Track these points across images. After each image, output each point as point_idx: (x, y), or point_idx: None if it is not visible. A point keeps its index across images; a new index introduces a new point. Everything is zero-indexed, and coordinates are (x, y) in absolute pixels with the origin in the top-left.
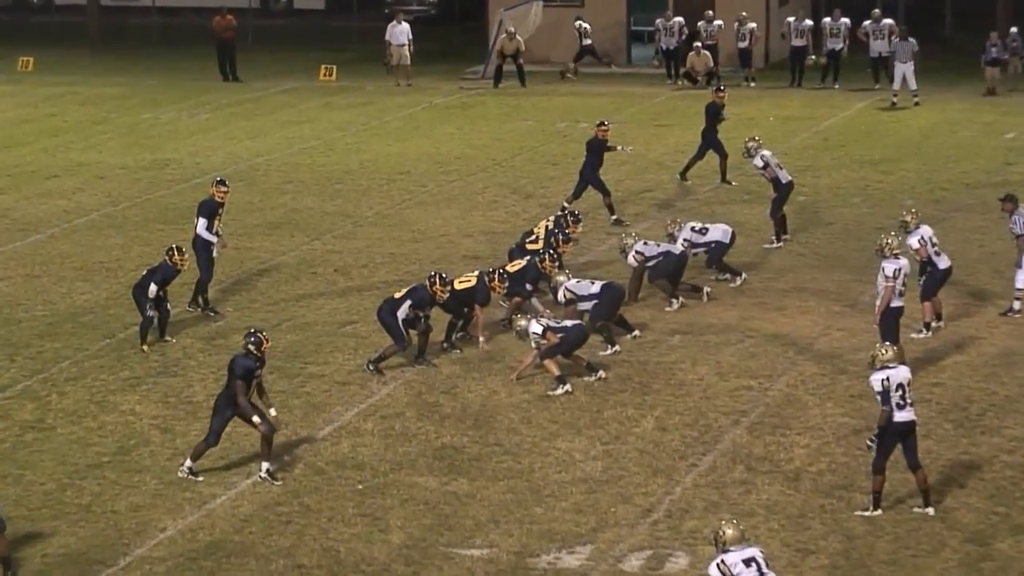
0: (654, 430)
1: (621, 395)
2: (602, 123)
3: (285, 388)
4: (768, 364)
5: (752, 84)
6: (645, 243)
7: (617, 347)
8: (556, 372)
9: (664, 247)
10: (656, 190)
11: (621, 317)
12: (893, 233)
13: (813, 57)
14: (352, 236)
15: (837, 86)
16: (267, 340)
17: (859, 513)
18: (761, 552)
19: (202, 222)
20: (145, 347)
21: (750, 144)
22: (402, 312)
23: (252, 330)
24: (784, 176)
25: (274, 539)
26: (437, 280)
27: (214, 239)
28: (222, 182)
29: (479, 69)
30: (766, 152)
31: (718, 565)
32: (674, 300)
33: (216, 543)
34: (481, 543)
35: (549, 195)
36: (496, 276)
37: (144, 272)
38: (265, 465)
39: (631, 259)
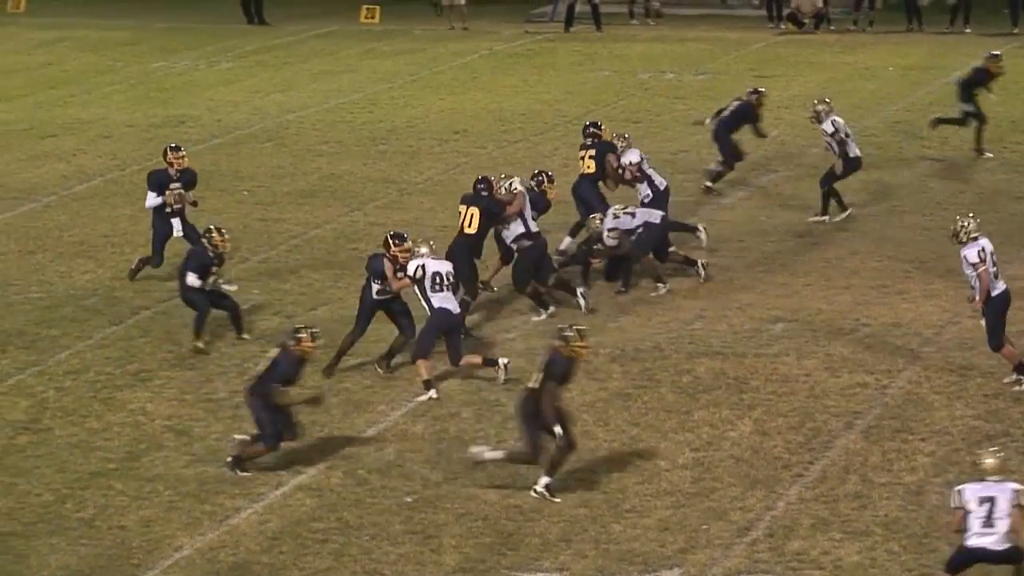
0: (752, 434)
1: (714, 393)
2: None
3: (321, 383)
4: (887, 357)
5: (870, 28)
6: (615, 216)
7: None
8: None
9: (641, 214)
10: (754, 153)
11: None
12: (971, 215)
13: None
14: (398, 206)
15: (968, 30)
16: (315, 340)
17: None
18: (1014, 491)
19: (151, 196)
20: (200, 343)
21: (820, 107)
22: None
23: (305, 327)
24: (854, 149)
25: (308, 560)
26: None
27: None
28: (177, 148)
29: (547, 10)
30: (838, 118)
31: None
32: (660, 285)
33: (241, 565)
34: (550, 566)
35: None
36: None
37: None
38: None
39: (609, 241)
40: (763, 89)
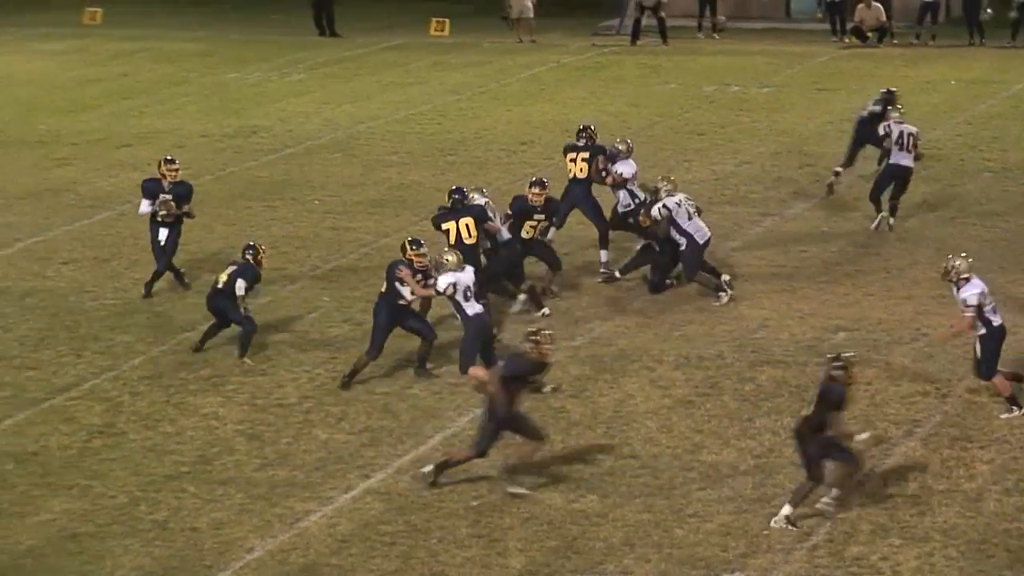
0: None
1: (776, 400)
2: None
3: (389, 390)
4: (947, 367)
5: (932, 42)
6: (679, 204)
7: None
8: None
9: (695, 224)
10: (817, 165)
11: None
12: (963, 254)
13: (990, 11)
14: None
15: None
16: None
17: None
18: None
19: (144, 203)
20: (248, 359)
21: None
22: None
23: (539, 331)
24: (897, 157)
25: (377, 562)
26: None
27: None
28: (171, 160)
29: (614, 23)
30: (906, 125)
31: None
32: (722, 294)
33: (310, 566)
34: (613, 569)
35: (693, 169)
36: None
37: (225, 277)
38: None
39: (654, 213)
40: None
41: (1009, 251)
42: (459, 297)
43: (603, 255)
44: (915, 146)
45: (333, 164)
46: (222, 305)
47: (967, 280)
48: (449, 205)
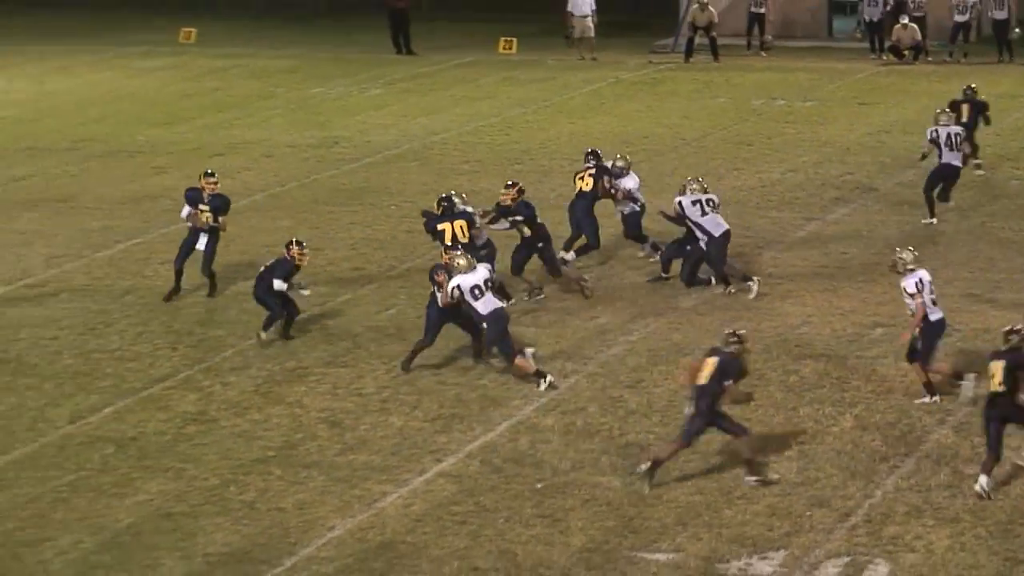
0: (853, 429)
1: (818, 391)
2: None
3: (460, 380)
4: (977, 360)
5: (964, 59)
6: (696, 200)
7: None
8: None
9: (710, 219)
10: (857, 173)
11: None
12: (909, 248)
13: (1017, 30)
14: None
15: None
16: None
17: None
18: None
19: (185, 208)
20: (263, 334)
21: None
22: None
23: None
24: (946, 156)
25: (448, 540)
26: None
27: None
28: (211, 174)
29: (668, 42)
30: (952, 127)
31: None
32: (750, 283)
33: (387, 544)
34: (667, 547)
35: (742, 176)
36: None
37: (262, 270)
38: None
39: (675, 203)
40: (975, 85)
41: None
42: (468, 298)
43: (571, 256)
44: (961, 145)
45: (409, 172)
46: (259, 293)
47: (912, 271)
48: (439, 212)
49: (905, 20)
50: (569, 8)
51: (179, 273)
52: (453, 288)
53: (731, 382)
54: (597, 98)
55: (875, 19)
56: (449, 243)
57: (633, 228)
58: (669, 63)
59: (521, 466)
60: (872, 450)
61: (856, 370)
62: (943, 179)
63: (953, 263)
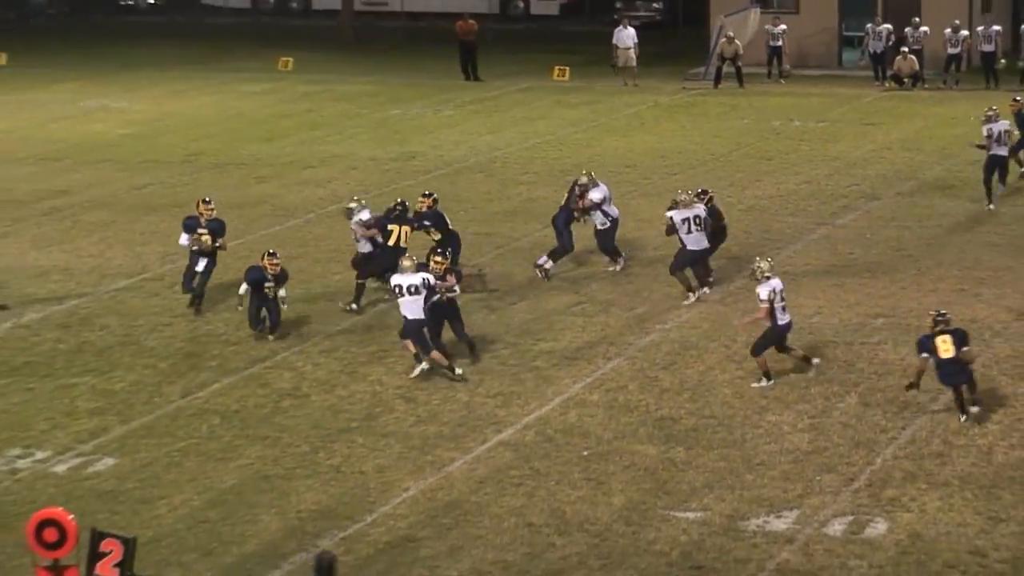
0: (857, 405)
1: (827, 373)
2: None
3: (518, 362)
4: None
5: (956, 86)
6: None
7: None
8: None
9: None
10: (862, 184)
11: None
12: (768, 258)
13: (1003, 61)
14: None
15: None
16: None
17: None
18: None
19: (183, 236)
20: (271, 337)
21: (989, 113)
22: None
23: None
24: (994, 148)
25: (506, 500)
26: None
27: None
28: (207, 201)
29: (700, 71)
30: (1001, 124)
31: None
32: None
33: (454, 502)
34: (696, 507)
35: (762, 187)
36: None
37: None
38: None
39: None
40: (1020, 98)
41: (1017, 253)
42: (401, 295)
43: (547, 260)
44: (1009, 138)
45: (475, 182)
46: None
47: (768, 278)
48: (396, 214)
49: (905, 51)
50: (615, 41)
51: (194, 295)
52: (395, 285)
53: (967, 347)
54: (638, 119)
55: (879, 51)
56: (393, 243)
57: (605, 243)
58: (700, 89)
59: (570, 436)
60: (873, 423)
61: (860, 354)
62: (996, 166)
63: (944, 263)
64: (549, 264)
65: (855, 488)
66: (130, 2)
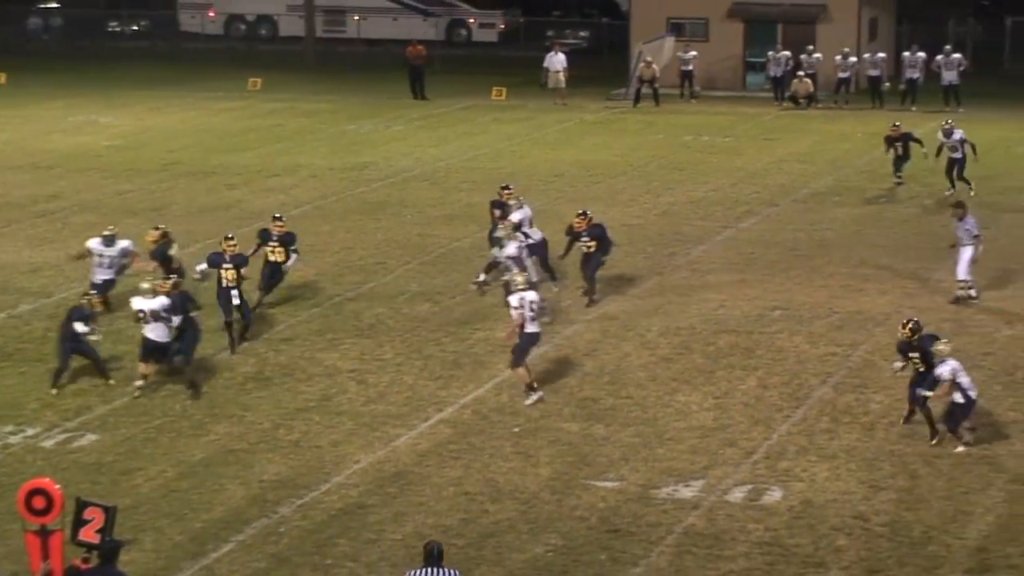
0: (756, 387)
1: (730, 358)
2: None
3: (458, 349)
4: (851, 335)
5: (846, 106)
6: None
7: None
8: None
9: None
10: (763, 192)
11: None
12: (525, 272)
13: (887, 84)
14: None
15: (915, 108)
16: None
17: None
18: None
19: (202, 264)
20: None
21: (946, 127)
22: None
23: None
24: (952, 153)
25: (446, 471)
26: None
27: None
28: (230, 237)
29: (622, 91)
30: (957, 133)
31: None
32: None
33: (399, 473)
34: (613, 477)
35: (675, 194)
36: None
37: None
38: None
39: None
40: (899, 124)
41: (897, 253)
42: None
43: (483, 275)
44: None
45: (421, 189)
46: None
47: (522, 290)
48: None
49: (801, 75)
50: (546, 64)
51: (230, 325)
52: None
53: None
54: (566, 134)
55: (778, 75)
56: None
57: (540, 263)
58: (621, 108)
59: (502, 415)
60: (770, 403)
61: (759, 342)
62: (954, 166)
63: (833, 261)
64: (482, 277)
65: (754, 460)
66: (116, 28)
